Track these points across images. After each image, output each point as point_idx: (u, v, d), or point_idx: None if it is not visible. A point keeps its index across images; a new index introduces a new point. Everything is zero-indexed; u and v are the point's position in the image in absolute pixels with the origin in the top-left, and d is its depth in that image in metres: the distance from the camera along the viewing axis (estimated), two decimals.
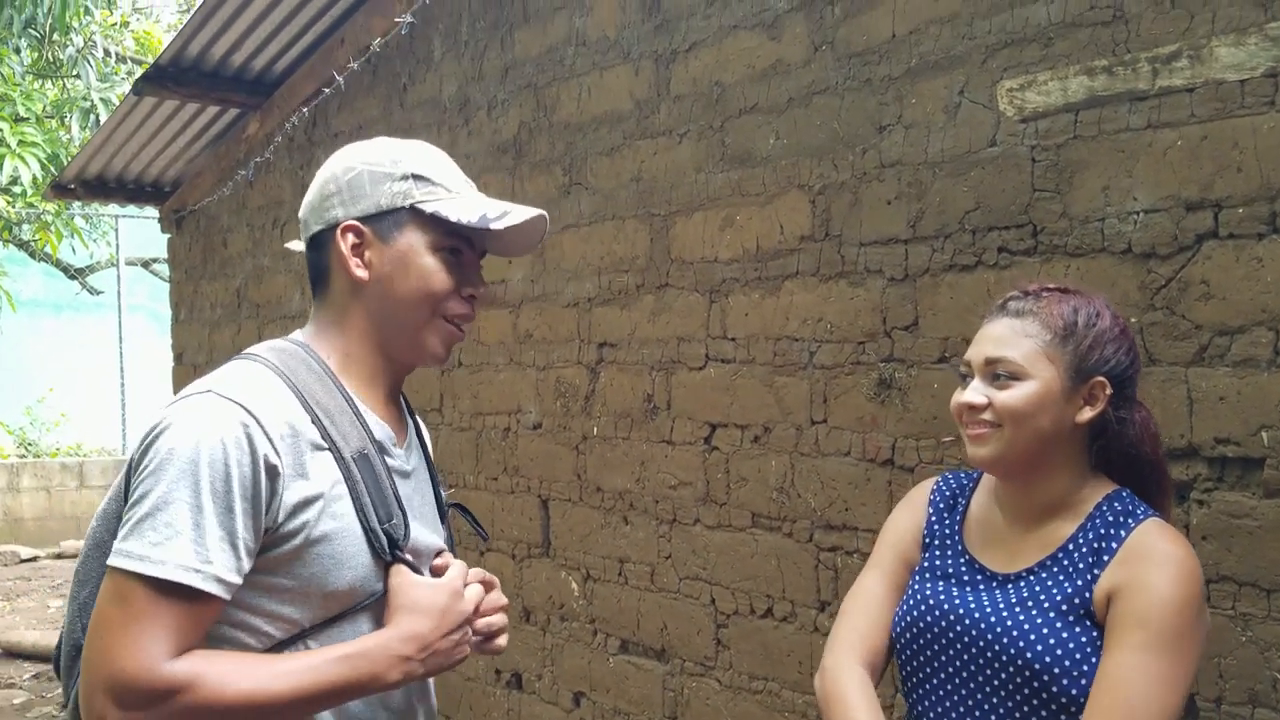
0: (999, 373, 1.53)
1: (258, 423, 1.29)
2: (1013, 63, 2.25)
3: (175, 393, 6.26)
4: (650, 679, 3.17)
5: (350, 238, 1.42)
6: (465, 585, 1.45)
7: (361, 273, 1.42)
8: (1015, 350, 1.52)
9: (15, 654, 6.73)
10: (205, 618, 1.27)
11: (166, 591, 1.22)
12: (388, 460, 1.44)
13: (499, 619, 1.51)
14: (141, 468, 1.29)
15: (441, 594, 1.39)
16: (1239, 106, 1.91)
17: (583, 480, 3.41)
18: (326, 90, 4.34)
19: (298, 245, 1.56)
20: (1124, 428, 1.54)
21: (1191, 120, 1.97)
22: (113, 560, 1.25)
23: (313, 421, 1.35)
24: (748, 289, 2.85)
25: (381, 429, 1.46)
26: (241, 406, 1.29)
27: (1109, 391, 1.52)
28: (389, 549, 1.38)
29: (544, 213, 1.48)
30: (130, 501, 1.28)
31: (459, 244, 1.45)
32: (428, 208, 1.42)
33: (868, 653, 1.65)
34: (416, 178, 1.43)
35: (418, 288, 1.43)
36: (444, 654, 1.38)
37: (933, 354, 2.41)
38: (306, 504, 1.32)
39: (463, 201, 1.44)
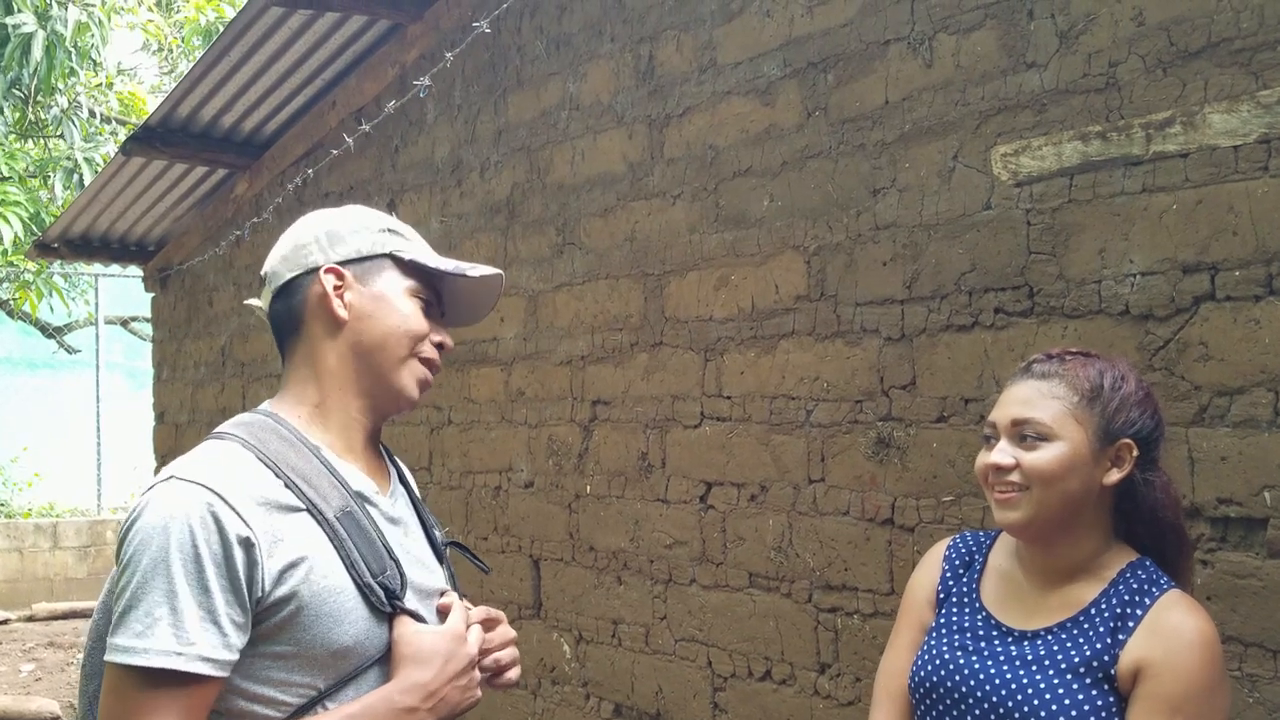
0: (1026, 434, 1.53)
1: (222, 499, 1.30)
2: (1006, 128, 2.29)
3: (156, 453, 6.13)
4: None
5: (332, 279, 1.45)
6: (467, 627, 1.45)
7: (343, 312, 1.45)
8: (1043, 411, 1.53)
9: None
10: (202, 698, 1.27)
11: (156, 679, 1.24)
12: (372, 511, 1.45)
13: (507, 654, 1.51)
14: (120, 561, 1.31)
15: (444, 640, 1.39)
16: (1233, 171, 1.95)
17: (575, 539, 3.38)
18: (331, 151, 4.36)
19: (257, 302, 1.58)
20: (1149, 490, 1.55)
21: (1186, 185, 2.01)
22: (107, 655, 1.27)
23: (286, 487, 1.36)
24: (743, 348, 2.87)
25: (361, 480, 1.46)
26: (203, 486, 1.30)
27: (1135, 454, 1.53)
28: (387, 601, 1.38)
29: (500, 272, 1.57)
30: (116, 595, 1.30)
31: (429, 296, 1.52)
32: (406, 255, 1.49)
33: None
34: (392, 231, 1.51)
35: (398, 325, 1.47)
36: (451, 701, 1.38)
37: (931, 413, 2.42)
38: (292, 567, 1.32)
39: (434, 255, 1.54)
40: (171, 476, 1.33)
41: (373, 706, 1.33)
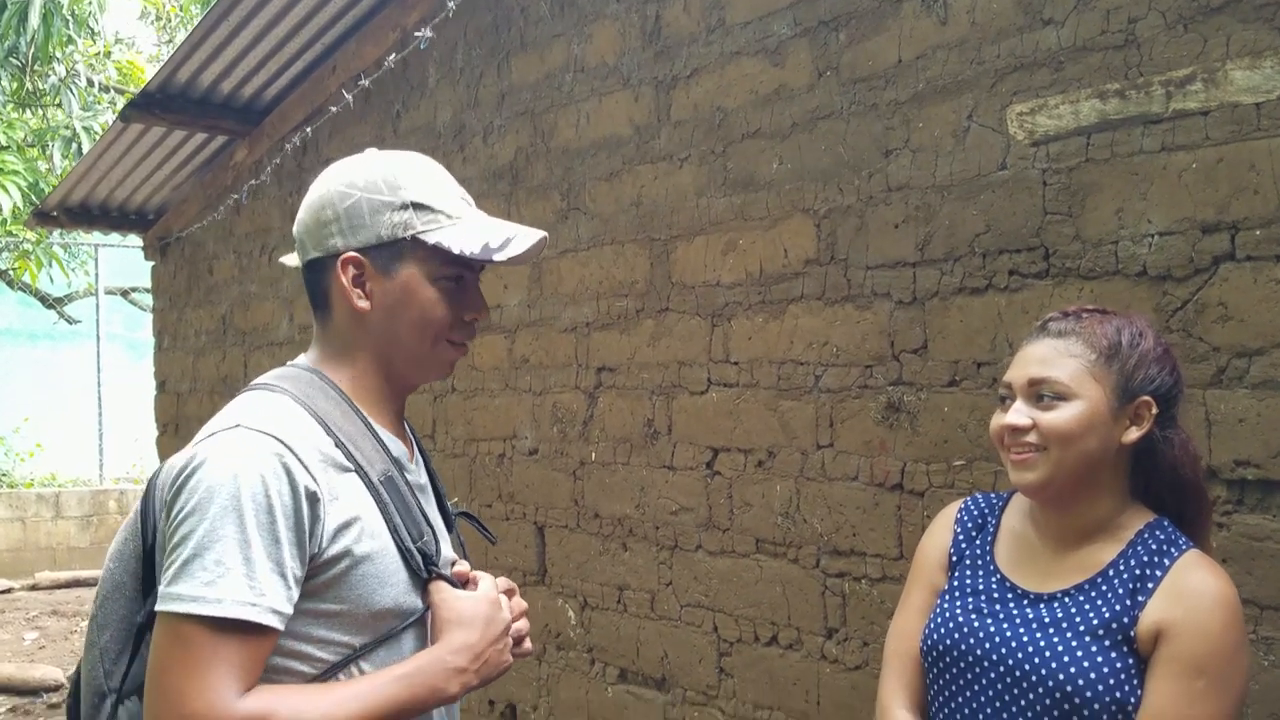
0: (1044, 393, 1.50)
1: (292, 452, 1.29)
2: (1022, 87, 2.25)
3: (158, 421, 6.13)
4: (650, 709, 3.12)
5: (351, 270, 1.41)
6: (499, 593, 1.46)
7: (364, 304, 1.42)
8: (1061, 370, 1.50)
9: None
10: (264, 651, 1.26)
11: (226, 629, 1.21)
12: (408, 477, 1.45)
13: (523, 624, 1.52)
14: (178, 509, 1.27)
15: (483, 605, 1.40)
16: (1255, 129, 1.91)
17: (580, 506, 3.36)
18: (330, 110, 4.31)
19: (293, 260, 1.53)
20: (1168, 448, 1.53)
21: (1206, 143, 1.98)
22: (164, 605, 1.23)
23: (337, 446, 1.35)
24: (750, 313, 2.84)
25: (398, 447, 1.46)
26: (273, 437, 1.29)
27: (1155, 411, 1.51)
28: (425, 566, 1.39)
29: (545, 234, 1.47)
30: (172, 544, 1.26)
31: (460, 270, 1.44)
32: (430, 238, 1.40)
33: (914, 694, 1.67)
34: (417, 206, 1.40)
35: (419, 319, 1.42)
36: (493, 663, 1.40)
37: (942, 377, 2.39)
38: (346, 526, 1.32)
39: (464, 229, 1.42)
40: (238, 425, 1.31)
41: (425, 667, 1.33)
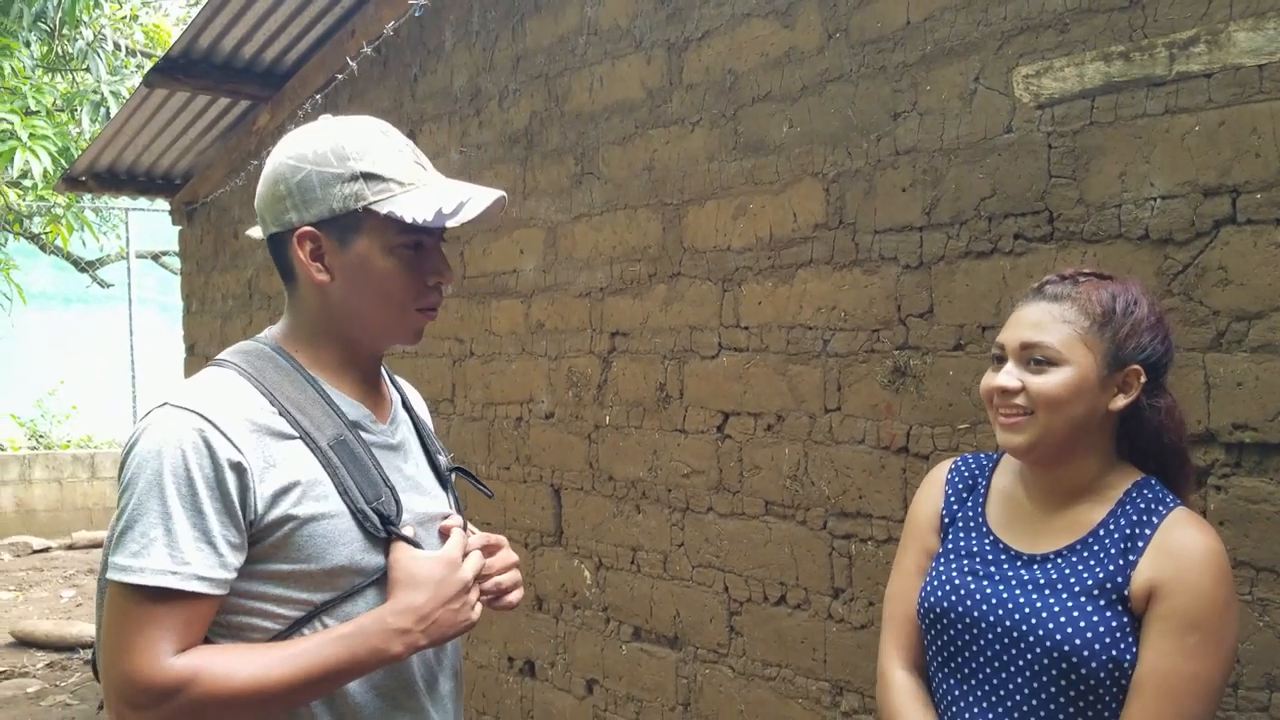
0: (1035, 357, 1.52)
1: (213, 425, 1.33)
2: (1029, 49, 2.24)
3: None
4: (663, 666, 3.18)
5: (308, 244, 1.43)
6: (465, 554, 1.48)
7: (323, 277, 1.44)
8: (1053, 336, 1.51)
9: (29, 643, 6.77)
10: (200, 614, 1.32)
11: (153, 596, 1.29)
12: (367, 437, 1.48)
13: (508, 577, 1.55)
14: (120, 483, 1.36)
15: (438, 566, 1.43)
16: (1257, 92, 1.90)
17: (595, 469, 3.41)
18: (339, 76, 4.34)
19: (257, 233, 1.56)
20: (1156, 413, 1.54)
21: (1209, 106, 1.97)
22: (108, 573, 1.33)
23: (280, 414, 1.39)
24: (761, 277, 2.85)
25: (356, 409, 1.49)
26: (195, 413, 1.33)
27: (1143, 380, 1.52)
28: (382, 526, 1.42)
29: (502, 194, 1.48)
30: (114, 517, 1.35)
31: (418, 236, 1.44)
32: (382, 209, 1.40)
33: (913, 655, 1.70)
34: (367, 176, 1.40)
35: (380, 290, 1.44)
36: (445, 623, 1.42)
37: (948, 341, 2.41)
38: (284, 491, 1.36)
39: (417, 195, 1.42)
40: (166, 403, 1.37)
41: (365, 627, 1.37)
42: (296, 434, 1.39)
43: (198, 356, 6.29)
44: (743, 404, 2.91)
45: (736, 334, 2.93)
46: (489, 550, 1.55)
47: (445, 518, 1.53)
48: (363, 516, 1.40)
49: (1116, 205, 2.10)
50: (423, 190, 1.44)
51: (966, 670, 1.58)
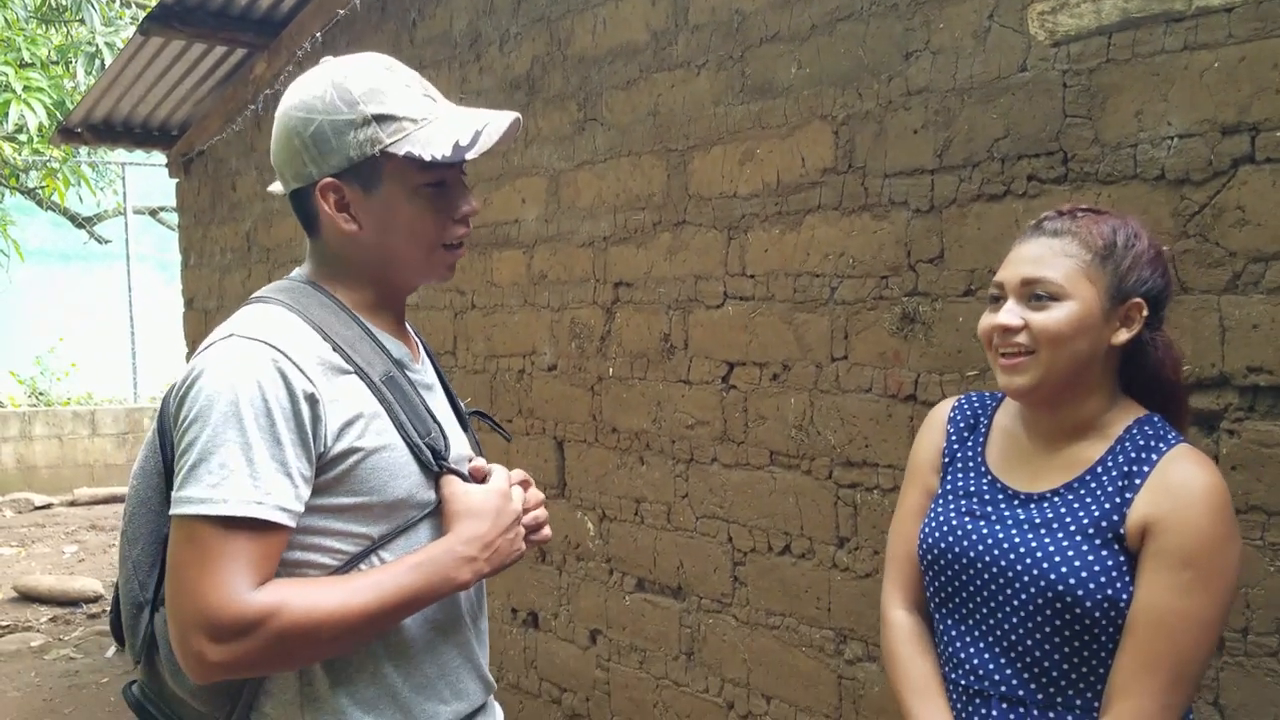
0: (1038, 293, 1.48)
1: (286, 356, 1.32)
2: None
3: (186, 338, 6.21)
4: (667, 616, 3.17)
5: (331, 196, 1.42)
6: (510, 488, 1.50)
7: (351, 226, 1.44)
8: (1055, 270, 1.48)
9: (31, 598, 6.79)
10: (275, 547, 1.31)
11: (234, 527, 1.27)
12: (411, 376, 1.49)
13: (541, 512, 1.57)
14: (181, 419, 1.32)
15: (493, 497, 1.45)
16: (1279, 26, 1.85)
17: (598, 421, 3.39)
18: (341, 11, 4.27)
19: (278, 188, 1.54)
20: (1153, 350, 1.52)
21: (1229, 41, 1.92)
22: (176, 509, 1.29)
23: (335, 350, 1.39)
24: (767, 224, 2.81)
25: (399, 348, 1.50)
26: (267, 344, 1.33)
27: (1145, 313, 1.49)
28: (435, 460, 1.43)
29: (517, 115, 1.47)
30: (180, 453, 1.32)
31: (439, 174, 1.44)
32: (399, 149, 1.40)
33: (913, 594, 1.70)
34: (379, 119, 1.39)
35: (409, 232, 1.45)
36: (504, 552, 1.45)
37: (958, 287, 2.37)
38: (350, 424, 1.36)
39: (431, 130, 1.41)
40: (232, 334, 1.35)
41: (437, 556, 1.39)
42: (351, 369, 1.39)
43: (196, 310, 6.25)
44: (748, 354, 2.88)
45: (742, 283, 2.89)
46: (522, 485, 1.57)
47: (469, 459, 1.54)
48: (418, 450, 1.41)
49: (1132, 145, 2.06)
50: (437, 125, 1.43)
51: (964, 610, 1.58)
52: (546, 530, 1.57)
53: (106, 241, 12.82)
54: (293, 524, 1.31)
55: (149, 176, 11.84)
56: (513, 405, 3.75)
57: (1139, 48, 2.04)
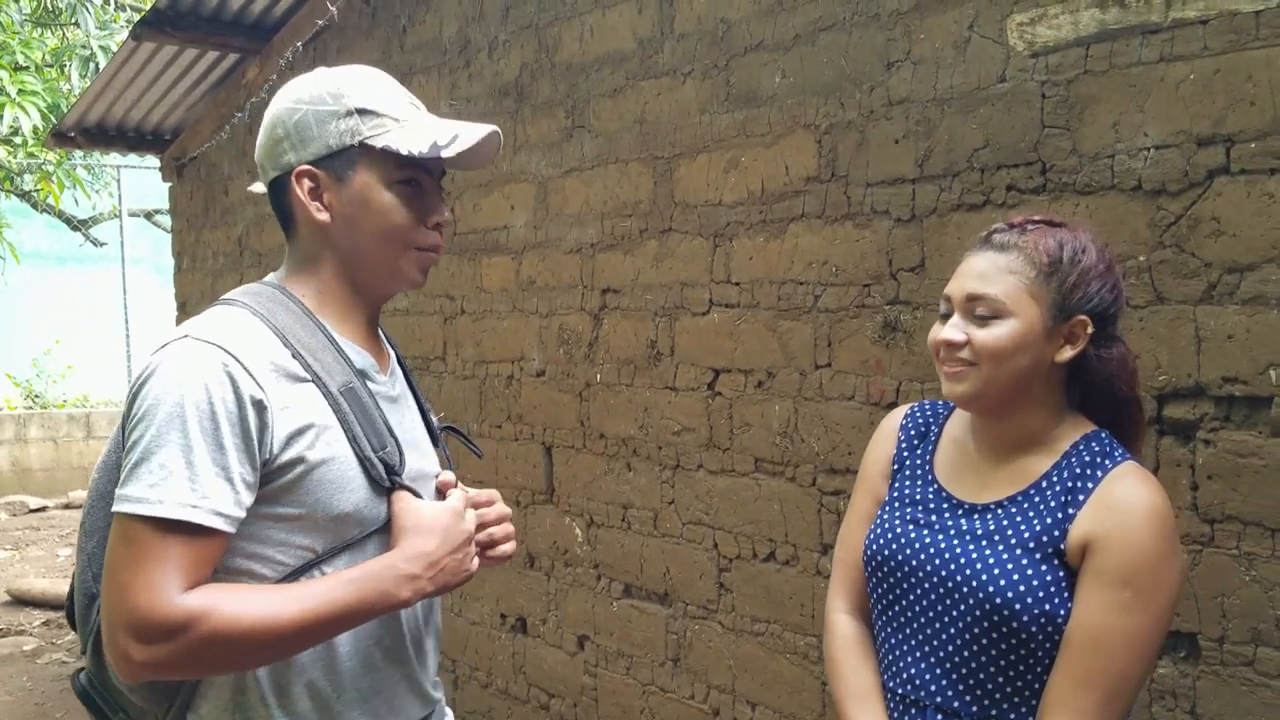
0: (979, 310, 1.49)
1: (237, 360, 1.32)
2: None
3: None
4: (653, 622, 3.18)
5: (306, 183, 1.43)
6: (466, 507, 1.48)
7: (323, 216, 1.43)
8: (997, 287, 1.48)
9: (25, 601, 6.79)
10: (211, 552, 1.30)
11: (169, 529, 1.26)
12: (373, 387, 1.47)
13: (501, 529, 1.55)
14: (131, 416, 1.32)
15: (444, 514, 1.43)
16: (1253, 39, 1.86)
17: (586, 427, 3.40)
18: (331, 15, 4.27)
19: (259, 188, 1.55)
20: (1104, 364, 1.51)
21: (1204, 53, 1.93)
22: (116, 506, 1.29)
23: (294, 357, 1.38)
24: (752, 232, 2.82)
25: (363, 358, 1.49)
26: (220, 347, 1.32)
27: (1090, 330, 1.49)
28: (387, 475, 1.41)
29: (495, 129, 1.48)
30: (125, 450, 1.31)
31: (415, 174, 1.45)
32: (377, 142, 1.42)
33: (856, 599, 1.71)
34: (361, 112, 1.42)
35: (380, 225, 1.44)
36: (450, 571, 1.42)
37: (939, 296, 2.38)
38: (299, 433, 1.35)
39: (411, 130, 1.44)
40: (186, 335, 1.35)
41: (377, 571, 1.36)
42: (309, 377, 1.38)
43: (189, 314, 6.25)
44: (733, 361, 2.90)
45: (727, 290, 2.91)
46: (482, 505, 1.55)
47: (437, 475, 1.53)
48: (369, 465, 1.40)
49: (1110, 156, 2.07)
50: (417, 125, 1.45)
51: (904, 618, 1.58)
52: (507, 546, 1.55)
53: (102, 244, 12.81)
54: (231, 529, 1.30)
55: (144, 179, 11.83)
56: (502, 410, 3.76)
57: (1116, 59, 2.06)
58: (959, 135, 2.33)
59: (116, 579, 1.27)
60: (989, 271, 1.50)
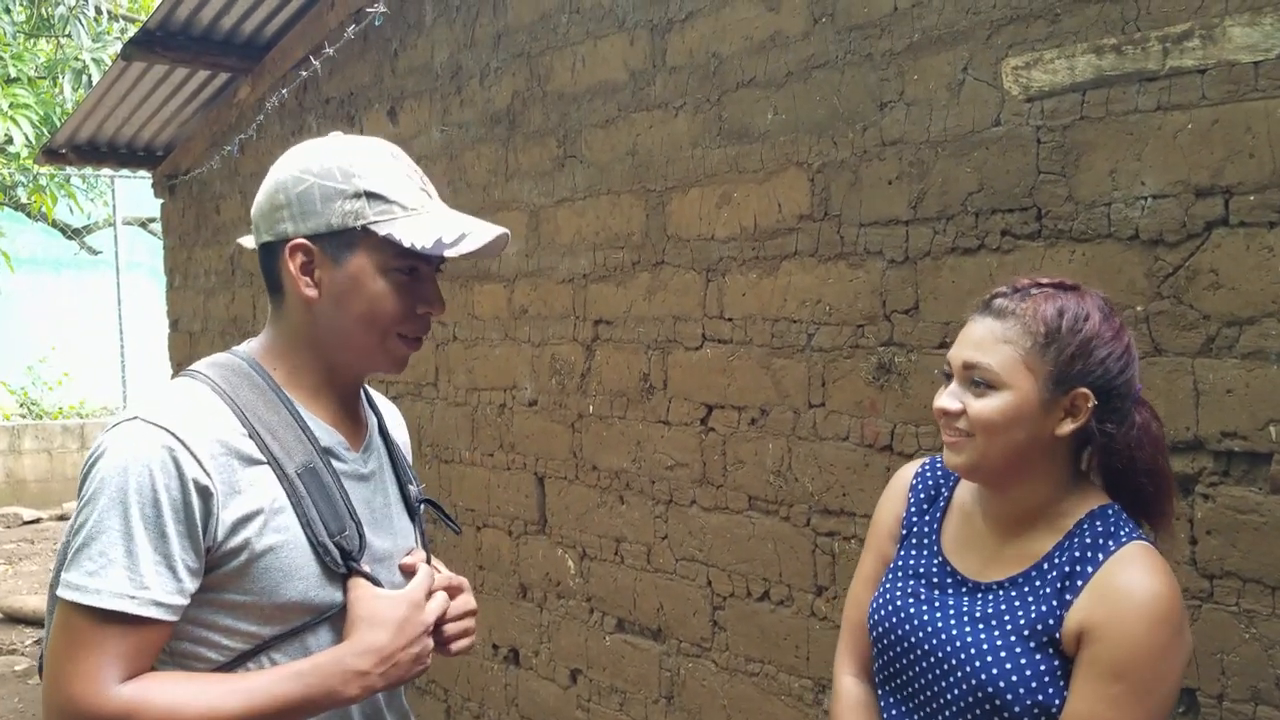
0: (975, 379, 1.45)
1: (183, 445, 1.28)
2: (1018, 39, 2.17)
3: (172, 361, 6.17)
4: (647, 658, 3.15)
5: (300, 257, 1.39)
6: (429, 594, 1.44)
7: (311, 292, 1.39)
8: (992, 357, 1.43)
9: (17, 619, 6.75)
10: (151, 641, 1.27)
11: (107, 619, 1.24)
12: (339, 466, 1.43)
13: (458, 626, 1.50)
14: (80, 496, 1.30)
15: (401, 606, 1.38)
16: (1252, 89, 1.83)
17: (579, 458, 3.37)
18: (324, 53, 4.24)
19: (249, 242, 1.52)
20: (1113, 439, 1.45)
21: (1203, 103, 1.90)
22: (58, 590, 1.27)
23: (249, 436, 1.34)
24: (745, 268, 2.79)
25: (330, 435, 1.44)
26: (166, 430, 1.28)
27: (1092, 404, 1.43)
28: (342, 561, 1.37)
29: (506, 231, 1.43)
30: (72, 530, 1.29)
31: (414, 262, 1.40)
32: (381, 230, 1.37)
33: (862, 661, 1.69)
34: (370, 195, 1.37)
35: (367, 312, 1.39)
36: (403, 666, 1.37)
37: (933, 339, 2.35)
38: (246, 520, 1.31)
39: (419, 221, 1.39)
40: (135, 417, 1.31)
41: (323, 666, 1.32)
42: (265, 459, 1.34)
43: (181, 333, 6.22)
44: (726, 397, 2.86)
45: (720, 325, 2.87)
46: (452, 592, 1.50)
47: (408, 553, 1.49)
48: (323, 550, 1.35)
49: (1106, 204, 2.04)
50: (425, 217, 1.40)
51: (906, 691, 1.56)
52: (463, 642, 1.50)
53: (97, 253, 12.78)
54: (173, 618, 1.27)
55: (139, 187, 11.78)
56: (494, 439, 3.73)
57: (1113, 106, 2.03)
58: (953, 178, 2.30)
59: (55, 666, 1.25)
60: (985, 340, 1.46)
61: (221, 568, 1.30)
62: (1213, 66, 1.88)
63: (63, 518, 9.83)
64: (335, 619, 1.38)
